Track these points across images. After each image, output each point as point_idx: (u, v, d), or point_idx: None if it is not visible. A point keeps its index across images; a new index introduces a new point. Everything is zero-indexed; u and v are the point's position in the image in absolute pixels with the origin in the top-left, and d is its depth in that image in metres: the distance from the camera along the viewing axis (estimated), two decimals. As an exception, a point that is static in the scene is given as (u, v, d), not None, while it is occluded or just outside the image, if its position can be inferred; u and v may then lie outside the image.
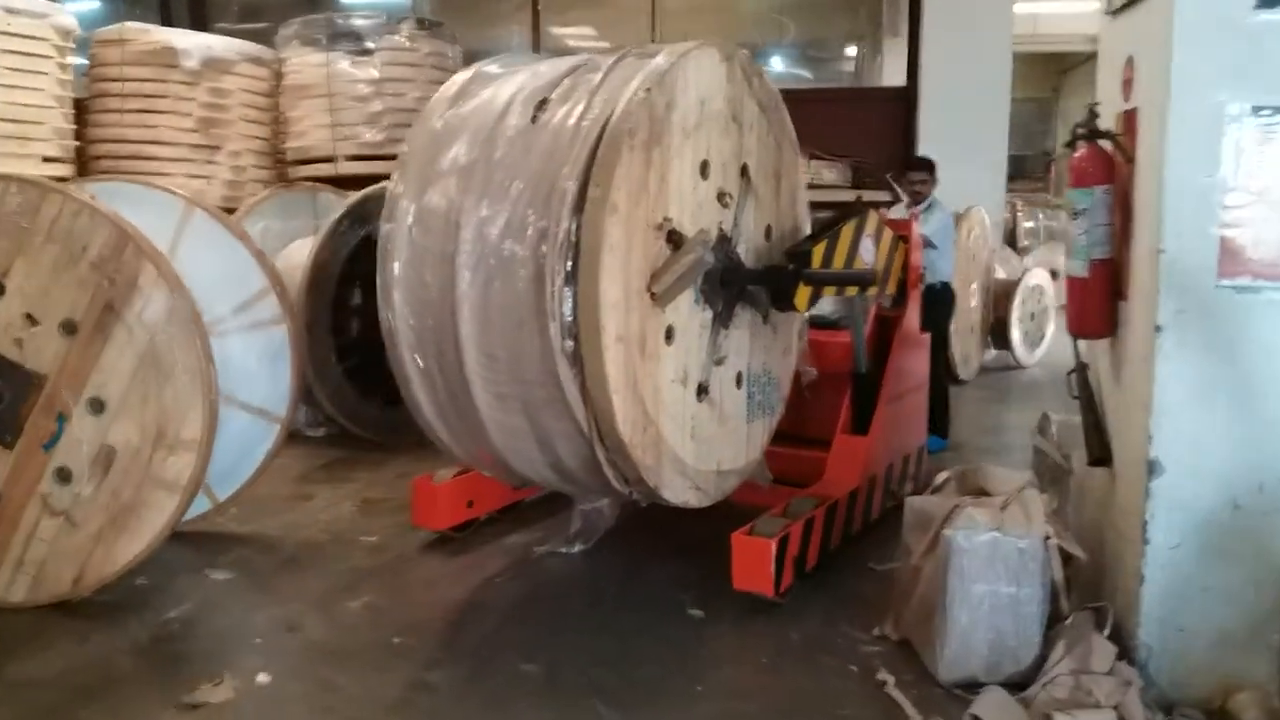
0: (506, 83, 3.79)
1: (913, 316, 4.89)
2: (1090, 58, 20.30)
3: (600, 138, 3.31)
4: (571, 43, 12.46)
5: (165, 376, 3.58)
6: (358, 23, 7.85)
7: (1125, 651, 2.92)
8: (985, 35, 9.42)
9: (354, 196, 5.98)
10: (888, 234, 4.42)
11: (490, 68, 3.95)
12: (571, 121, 3.46)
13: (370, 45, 7.76)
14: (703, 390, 3.74)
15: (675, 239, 3.51)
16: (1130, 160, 2.99)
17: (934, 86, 9.51)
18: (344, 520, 4.70)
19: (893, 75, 15.98)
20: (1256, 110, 2.67)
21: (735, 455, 3.96)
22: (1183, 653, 2.89)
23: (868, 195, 8.28)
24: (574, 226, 3.27)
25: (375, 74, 7.75)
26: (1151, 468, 2.85)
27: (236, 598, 3.82)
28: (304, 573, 4.05)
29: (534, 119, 3.55)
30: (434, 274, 3.53)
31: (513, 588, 3.89)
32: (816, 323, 4.73)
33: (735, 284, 3.83)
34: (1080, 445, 3.96)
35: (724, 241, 3.76)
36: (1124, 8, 3.10)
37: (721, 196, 3.76)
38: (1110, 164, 3.04)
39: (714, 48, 3.66)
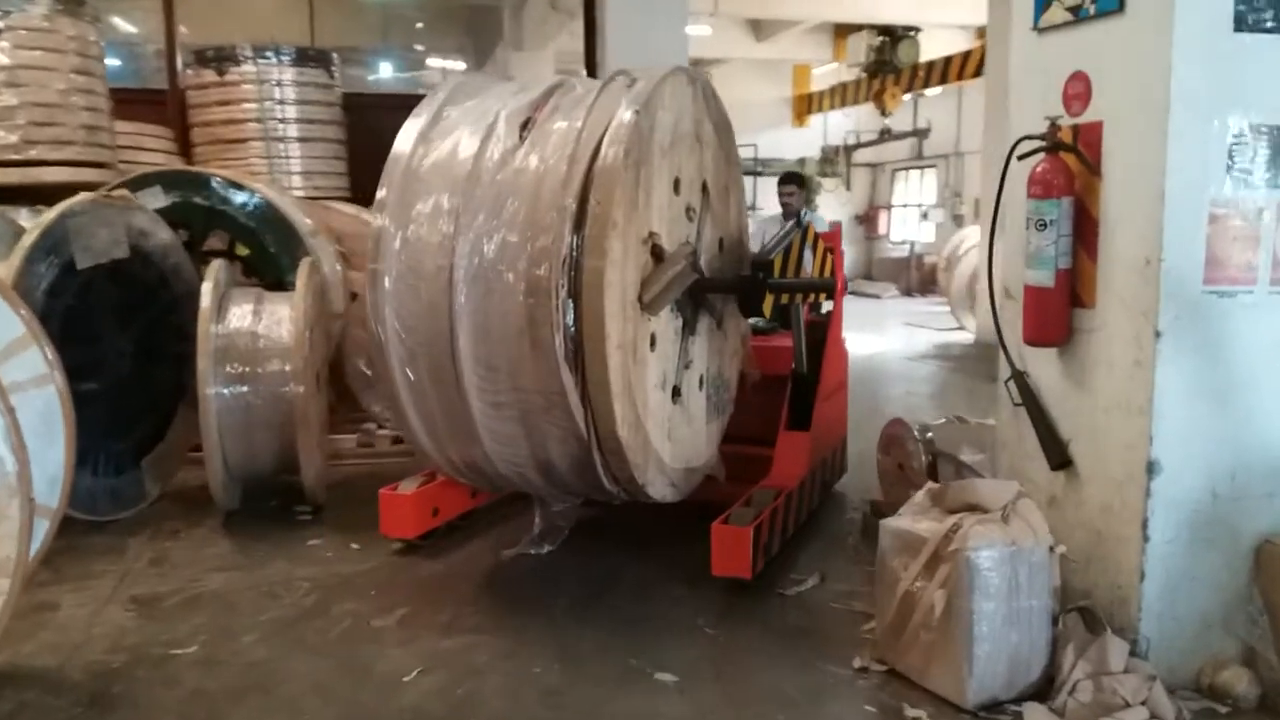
0: (484, 103, 3.91)
1: (838, 321, 5.08)
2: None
3: (594, 158, 3.49)
4: (193, 35, 10.95)
5: (-44, 473, 2.48)
6: (-30, -7, 6.23)
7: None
8: (662, 53, 9.64)
9: (46, 216, 4.67)
10: (821, 245, 4.57)
11: (460, 91, 4.06)
12: (563, 142, 3.60)
13: (-8, 23, 6.20)
14: (676, 393, 3.96)
15: (657, 252, 3.75)
16: (1095, 173, 3.10)
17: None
18: (129, 631, 3.62)
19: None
20: (1234, 127, 2.87)
21: (699, 453, 4.19)
22: (1175, 639, 3.05)
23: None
24: (576, 242, 3.43)
25: (4, 60, 6.21)
26: (1151, 468, 2.96)
27: (62, 765, 2.76)
28: (131, 713, 3.04)
29: (522, 138, 3.69)
30: (429, 290, 3.60)
31: (433, 687, 3.19)
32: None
33: (710, 292, 4.12)
34: (958, 446, 4.13)
35: (691, 253, 3.97)
36: (1065, 25, 3.20)
37: (688, 211, 4.01)
38: (1072, 176, 3.13)
39: (684, 73, 3.93)
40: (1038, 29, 3.35)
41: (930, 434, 4.32)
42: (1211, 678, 3.04)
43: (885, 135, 18.85)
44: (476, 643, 3.52)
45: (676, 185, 3.88)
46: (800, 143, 21.49)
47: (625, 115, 3.53)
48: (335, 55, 8.92)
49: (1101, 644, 2.98)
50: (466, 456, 3.87)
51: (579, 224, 3.44)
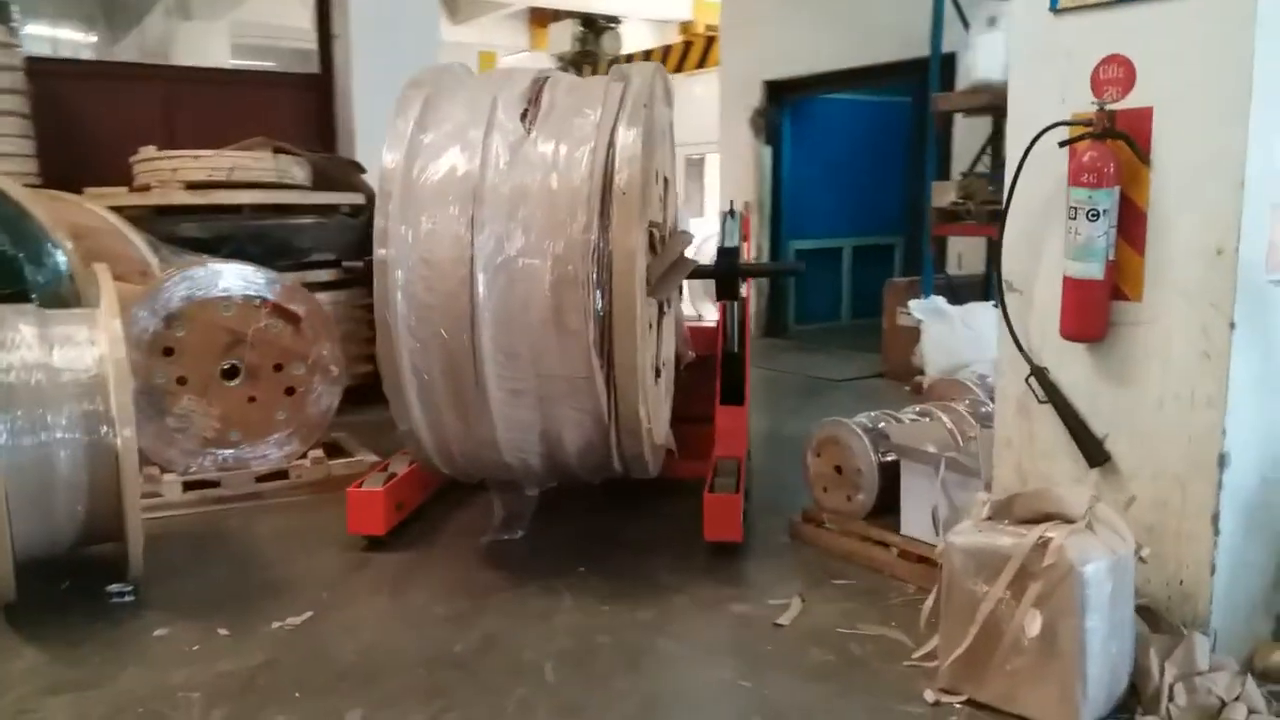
0: (471, 95, 4.00)
1: (748, 303, 5.34)
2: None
3: (609, 150, 3.71)
4: None
5: None
6: None
7: (1194, 643, 2.96)
8: (413, 25, 8.79)
9: None
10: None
11: (441, 84, 4.10)
12: (578, 135, 3.77)
13: None
14: (657, 373, 4.24)
15: (652, 241, 3.95)
16: (1145, 161, 2.99)
17: (365, 79, 8.61)
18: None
19: (197, 56, 14.19)
20: (1295, 113, 2.86)
21: (664, 431, 4.40)
22: (1233, 628, 3.04)
23: (336, 198, 7.30)
24: (602, 231, 3.63)
25: None
26: (1223, 461, 2.91)
27: None
28: None
29: (526, 130, 3.80)
30: (446, 283, 3.68)
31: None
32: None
33: (697, 278, 4.50)
34: (923, 443, 3.96)
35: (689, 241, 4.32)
36: (1097, 6, 3.07)
37: (659, 200, 4.20)
38: (1121, 163, 3.00)
39: (660, 70, 4.17)
40: (1055, 10, 3.20)
41: (882, 431, 4.11)
42: (1265, 661, 3.05)
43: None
44: None
45: (657, 176, 4.05)
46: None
47: (638, 110, 3.78)
48: (15, 8, 7.23)
49: (1188, 644, 2.89)
50: (470, 445, 3.96)
51: (604, 214, 3.64)
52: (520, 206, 3.69)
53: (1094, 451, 3.18)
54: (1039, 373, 3.29)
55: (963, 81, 8.01)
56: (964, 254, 9.04)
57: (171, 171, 6.68)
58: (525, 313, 3.67)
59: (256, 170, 6.79)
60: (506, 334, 3.68)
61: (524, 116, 3.82)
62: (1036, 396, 3.29)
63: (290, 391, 5.22)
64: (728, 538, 4.11)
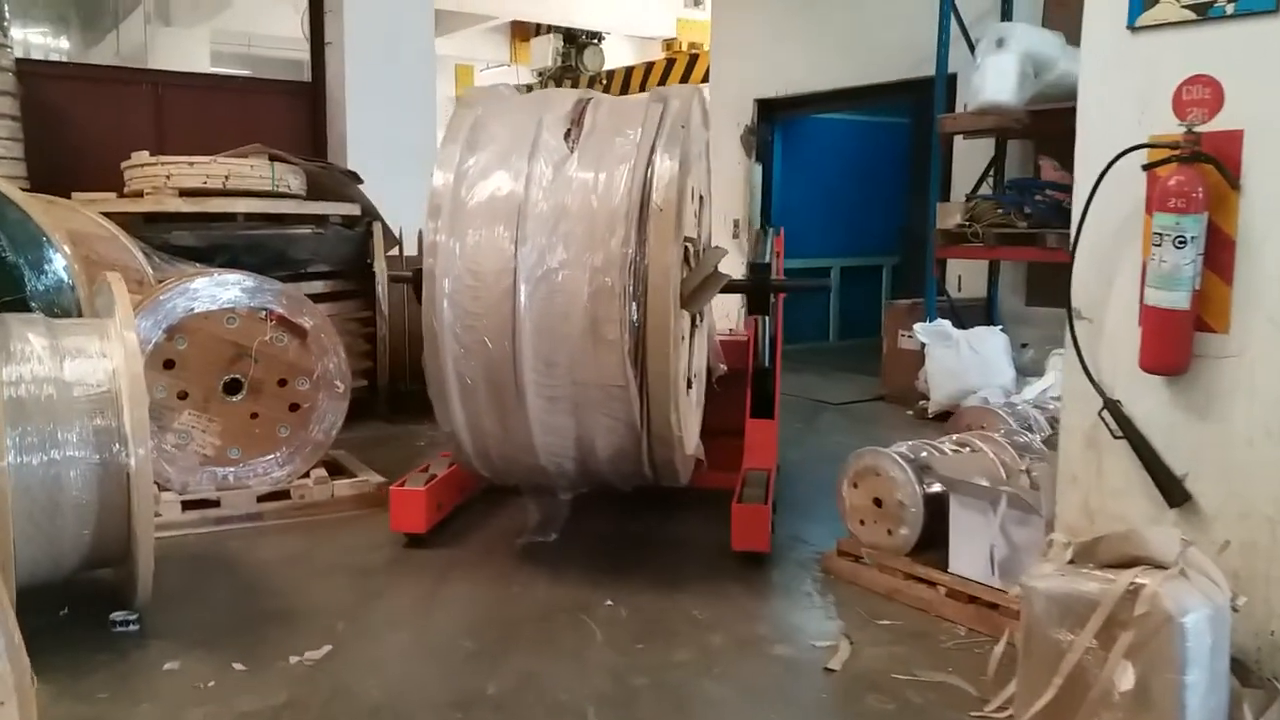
0: (516, 116, 4.15)
1: (779, 319, 5.33)
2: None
3: (648, 167, 3.83)
4: None
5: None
6: None
7: (1284, 695, 2.82)
8: (407, 31, 8.61)
9: None
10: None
11: (488, 106, 4.24)
12: (618, 154, 3.91)
13: None
14: (689, 385, 4.31)
15: (686, 256, 4.03)
16: (1235, 186, 2.87)
17: (358, 88, 8.40)
18: None
19: (177, 63, 13.86)
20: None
21: (694, 441, 4.44)
22: (1320, 678, 2.91)
23: (331, 208, 7.08)
24: (640, 246, 3.75)
25: None
26: (1319, 502, 2.79)
27: None
28: None
29: (571, 150, 3.95)
30: (490, 293, 3.81)
31: None
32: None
33: (730, 292, 4.45)
34: (971, 475, 3.81)
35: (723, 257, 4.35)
36: (1180, 23, 2.94)
37: (694, 217, 4.28)
38: (1209, 189, 2.88)
39: (698, 92, 4.26)
40: (1133, 27, 3.07)
41: (924, 461, 3.94)
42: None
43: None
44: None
45: (692, 194, 4.14)
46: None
47: (675, 131, 3.91)
48: (5, 8, 6.96)
49: (1282, 700, 2.75)
50: (508, 449, 4.10)
51: (641, 229, 3.76)
52: (562, 221, 3.83)
53: (1173, 490, 3.04)
54: (1113, 406, 3.15)
55: (965, 103, 7.86)
56: (964, 277, 8.96)
57: (165, 178, 6.42)
58: (564, 323, 3.79)
59: (252, 178, 6.55)
60: (546, 343, 3.81)
61: (567, 135, 4.00)
62: (1110, 431, 3.14)
63: (294, 408, 4.98)
64: (755, 548, 4.19)
